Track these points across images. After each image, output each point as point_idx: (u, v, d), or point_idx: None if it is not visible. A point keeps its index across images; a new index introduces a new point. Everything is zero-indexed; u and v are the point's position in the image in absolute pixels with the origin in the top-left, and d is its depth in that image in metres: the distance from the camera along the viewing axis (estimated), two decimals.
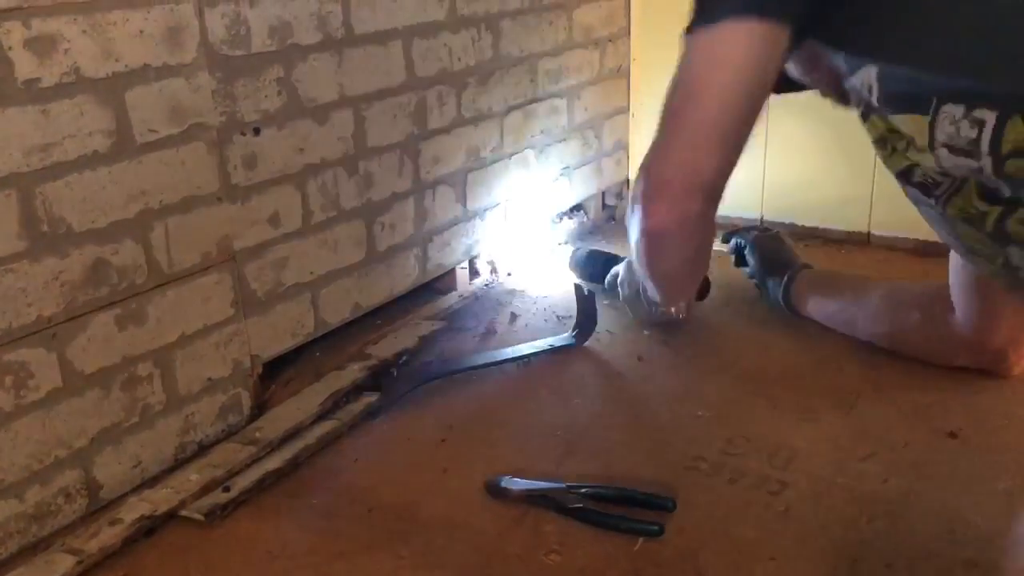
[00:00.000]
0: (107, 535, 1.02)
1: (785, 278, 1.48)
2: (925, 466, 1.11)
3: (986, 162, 0.83)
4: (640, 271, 1.14)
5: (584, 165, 1.93)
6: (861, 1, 0.89)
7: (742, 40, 0.87)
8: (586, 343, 1.45)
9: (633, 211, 0.99)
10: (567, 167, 1.87)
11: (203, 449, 1.19)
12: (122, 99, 1.03)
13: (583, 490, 1.06)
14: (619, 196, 2.08)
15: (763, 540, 0.99)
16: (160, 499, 1.08)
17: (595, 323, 1.47)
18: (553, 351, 1.43)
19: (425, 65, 1.45)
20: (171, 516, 1.06)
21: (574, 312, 1.49)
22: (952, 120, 0.84)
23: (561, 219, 1.91)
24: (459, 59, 1.52)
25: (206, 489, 1.10)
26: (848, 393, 1.27)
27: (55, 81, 0.96)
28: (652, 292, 1.28)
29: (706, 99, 0.89)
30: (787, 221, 1.87)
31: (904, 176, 0.96)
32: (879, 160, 1.01)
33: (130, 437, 1.10)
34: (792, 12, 0.87)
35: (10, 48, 0.92)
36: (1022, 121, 0.79)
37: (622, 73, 1.99)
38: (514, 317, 1.57)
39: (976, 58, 0.83)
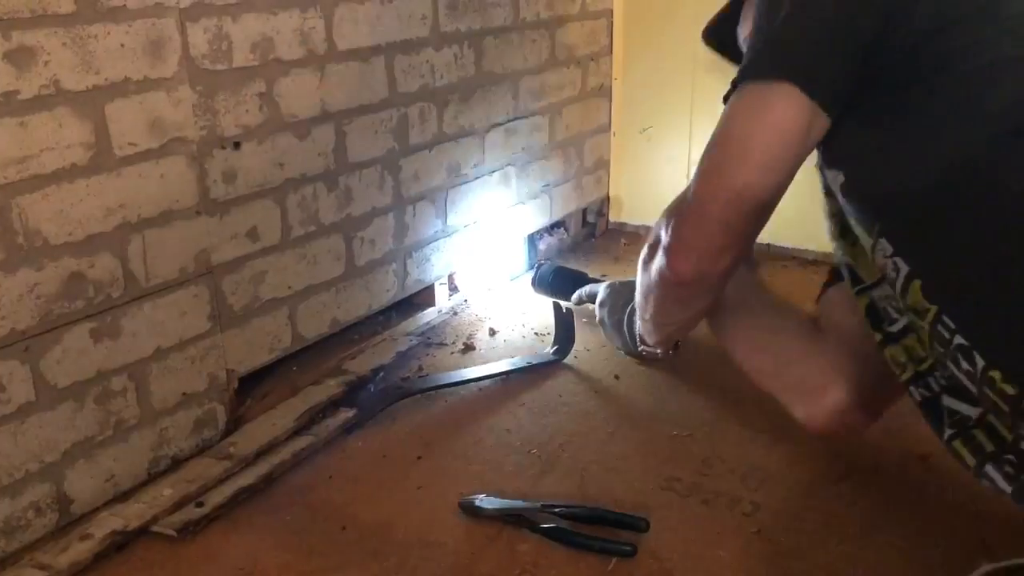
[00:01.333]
0: (77, 550, 1.01)
1: None
2: (895, 489, 1.12)
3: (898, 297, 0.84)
4: (647, 313, 1.14)
5: (565, 182, 1.94)
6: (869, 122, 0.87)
7: (793, 106, 0.85)
8: (564, 360, 1.45)
9: (658, 258, 0.99)
10: (548, 184, 1.88)
11: (177, 463, 1.18)
12: (102, 112, 1.03)
13: (557, 509, 1.06)
14: (599, 213, 2.09)
15: (735, 561, 1.00)
16: (132, 514, 1.07)
17: (573, 341, 1.48)
18: (531, 368, 1.43)
19: (407, 81, 1.46)
20: (143, 531, 1.06)
21: (552, 329, 1.50)
22: (884, 254, 0.84)
23: (542, 235, 1.92)
24: (441, 76, 1.53)
25: (179, 504, 1.09)
26: None
27: (34, 93, 0.96)
28: (647, 332, 1.25)
29: (749, 159, 0.88)
30: (763, 242, 1.88)
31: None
32: None
33: (103, 451, 1.09)
34: (836, 104, 0.86)
35: None
36: (920, 287, 0.80)
37: (604, 92, 2.01)
38: (493, 333, 1.57)
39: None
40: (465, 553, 1.02)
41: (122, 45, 1.03)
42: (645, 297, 1.15)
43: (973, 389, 0.77)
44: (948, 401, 0.82)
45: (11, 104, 0.94)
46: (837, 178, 0.90)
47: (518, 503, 1.08)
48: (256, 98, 1.21)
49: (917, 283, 0.80)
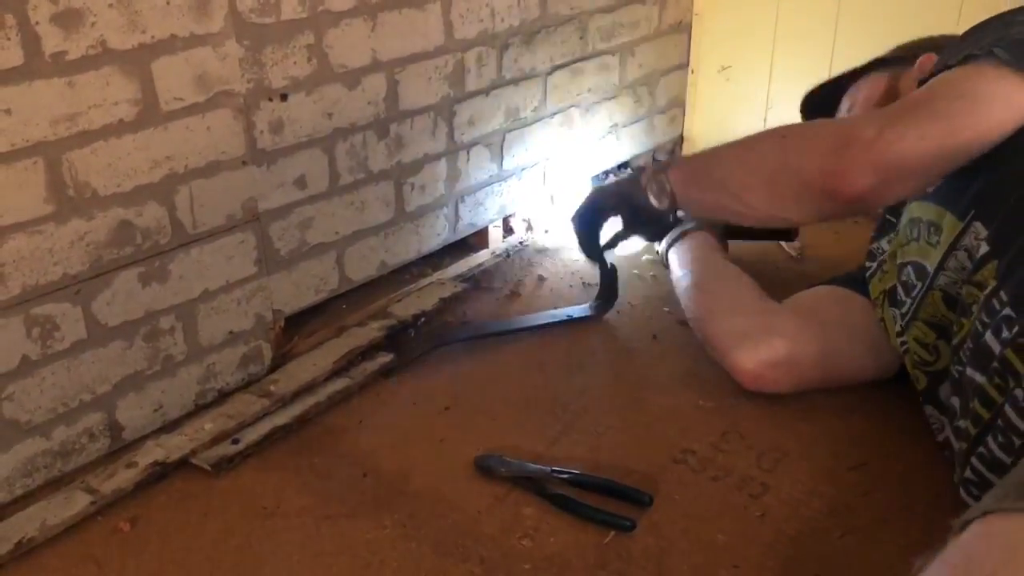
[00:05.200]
0: (122, 478, 1.10)
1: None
2: (912, 482, 1.10)
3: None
4: (743, 185, 1.11)
5: (635, 122, 1.91)
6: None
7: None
8: (604, 316, 1.46)
9: (834, 153, 1.02)
10: (615, 124, 1.85)
11: (224, 396, 1.26)
12: (148, 69, 1.07)
13: (566, 476, 1.09)
14: (671, 153, 2.05)
15: (732, 545, 1.01)
16: (174, 446, 1.15)
17: (615, 296, 1.48)
18: (571, 320, 1.45)
19: (465, 27, 1.45)
20: (183, 463, 1.14)
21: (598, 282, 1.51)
22: (976, 236, 0.99)
23: (606, 176, 1.90)
24: (502, 20, 1.51)
25: (217, 439, 1.17)
26: (852, 397, 1.25)
27: (81, 53, 1.00)
28: (706, 197, 1.18)
29: (971, 120, 0.98)
30: None
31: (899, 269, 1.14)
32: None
33: (152, 384, 1.18)
34: None
35: (37, 23, 0.96)
36: (993, 266, 0.94)
37: (683, 28, 1.94)
38: (541, 280, 1.59)
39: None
40: (471, 512, 1.06)
41: (168, 3, 1.06)
42: (764, 173, 1.09)
43: (997, 351, 0.89)
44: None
45: (59, 64, 0.99)
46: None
47: (530, 466, 1.11)
48: (304, 50, 1.23)
49: (993, 263, 0.94)
